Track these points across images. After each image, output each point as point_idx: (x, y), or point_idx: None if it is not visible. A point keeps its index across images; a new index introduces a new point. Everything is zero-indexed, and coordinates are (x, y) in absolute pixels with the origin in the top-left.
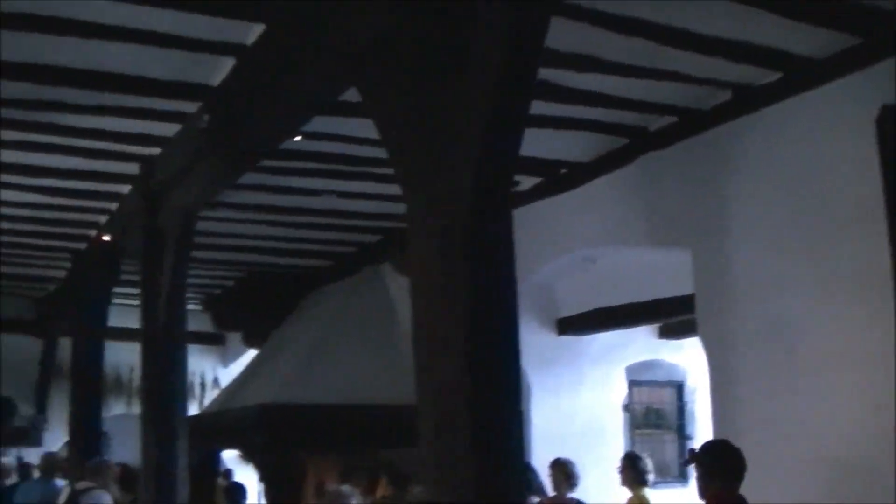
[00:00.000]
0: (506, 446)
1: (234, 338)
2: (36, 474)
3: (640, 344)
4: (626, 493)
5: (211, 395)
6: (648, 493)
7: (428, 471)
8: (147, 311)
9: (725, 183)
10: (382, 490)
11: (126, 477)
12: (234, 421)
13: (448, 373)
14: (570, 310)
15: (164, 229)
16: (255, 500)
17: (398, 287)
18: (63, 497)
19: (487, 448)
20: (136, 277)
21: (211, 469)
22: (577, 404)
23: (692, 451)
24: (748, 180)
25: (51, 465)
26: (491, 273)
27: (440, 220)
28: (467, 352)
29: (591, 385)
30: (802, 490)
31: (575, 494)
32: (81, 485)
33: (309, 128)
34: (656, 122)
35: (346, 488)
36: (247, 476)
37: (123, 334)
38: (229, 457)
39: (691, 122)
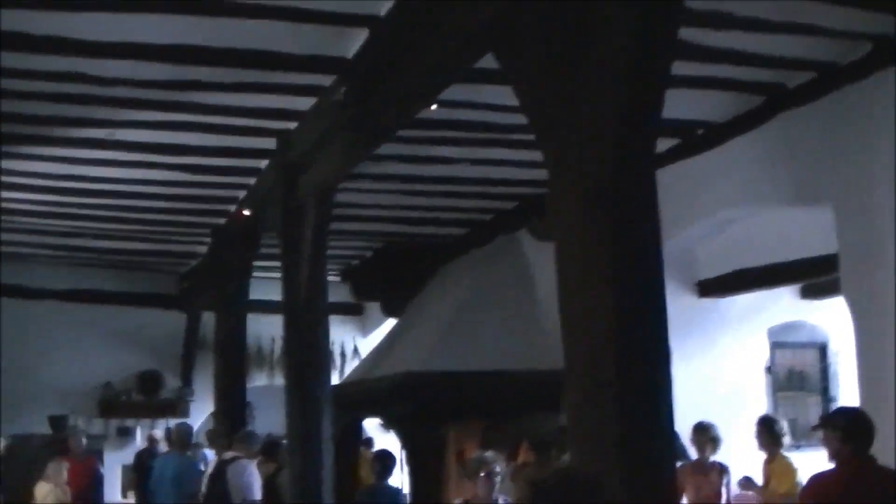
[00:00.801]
0: (655, 412)
1: (373, 308)
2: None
3: (782, 305)
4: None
5: (351, 364)
6: (789, 455)
7: (574, 437)
8: (288, 283)
9: (868, 138)
10: (524, 456)
11: (268, 447)
12: (376, 390)
13: (596, 338)
14: (711, 272)
15: (303, 202)
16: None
17: (536, 253)
18: (211, 467)
19: (636, 414)
20: (275, 251)
21: (353, 438)
22: (719, 367)
23: (822, 417)
24: (891, 134)
25: (184, 435)
26: (636, 236)
27: (583, 185)
28: (615, 316)
29: (732, 348)
30: None
31: (717, 458)
32: (228, 455)
33: (444, 96)
34: (795, 79)
35: (489, 454)
36: (388, 444)
37: (265, 307)
38: (370, 426)
39: (831, 78)
